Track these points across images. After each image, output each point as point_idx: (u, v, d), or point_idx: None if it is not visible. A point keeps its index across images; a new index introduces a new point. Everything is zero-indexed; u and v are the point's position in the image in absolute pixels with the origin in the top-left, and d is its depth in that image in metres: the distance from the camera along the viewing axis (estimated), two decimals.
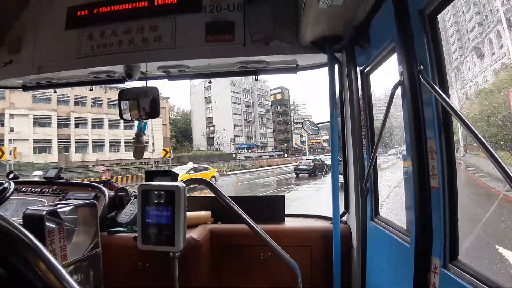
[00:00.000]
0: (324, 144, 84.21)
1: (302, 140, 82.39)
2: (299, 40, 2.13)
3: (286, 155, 68.31)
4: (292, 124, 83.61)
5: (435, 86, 1.13)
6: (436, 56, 1.20)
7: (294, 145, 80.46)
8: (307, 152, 63.27)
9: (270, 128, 74.79)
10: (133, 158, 2.82)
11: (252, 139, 68.50)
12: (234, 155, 56.98)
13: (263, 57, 2.26)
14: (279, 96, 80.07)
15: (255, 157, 58.23)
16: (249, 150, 64.93)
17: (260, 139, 70.13)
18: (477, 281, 1.00)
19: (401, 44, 1.35)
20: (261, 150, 67.07)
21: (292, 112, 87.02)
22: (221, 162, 44.76)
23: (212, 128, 64.71)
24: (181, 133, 64.59)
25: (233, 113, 64.94)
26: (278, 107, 79.43)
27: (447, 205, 1.17)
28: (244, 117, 66.87)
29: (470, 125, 0.97)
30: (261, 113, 70.85)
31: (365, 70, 1.93)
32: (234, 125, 65.19)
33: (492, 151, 0.89)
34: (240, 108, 66.38)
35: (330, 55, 2.10)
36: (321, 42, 2.06)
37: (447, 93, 1.16)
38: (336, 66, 2.22)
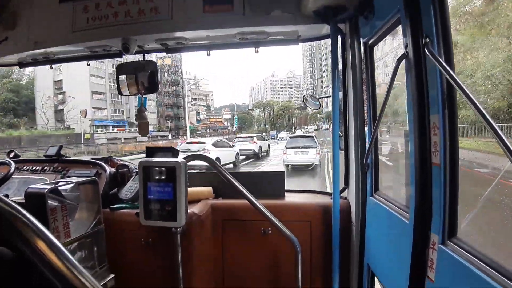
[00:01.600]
0: (226, 123, 73.26)
1: (198, 118, 70.86)
2: (301, 10, 2.04)
3: (170, 135, 52.24)
4: (189, 100, 70.39)
5: (440, 60, 1.09)
6: (443, 29, 1.14)
7: (189, 123, 61.26)
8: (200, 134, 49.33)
9: (153, 100, 56.09)
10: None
11: (121, 113, 49.21)
12: (87, 135, 39.17)
13: (263, 27, 2.18)
14: (167, 61, 61.95)
15: (124, 138, 41.88)
16: (116, 129, 46.38)
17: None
18: (474, 258, 1.00)
19: (407, 15, 1.28)
20: (136, 129, 41.69)
21: (188, 85, 69.85)
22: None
23: (61, 97, 42.93)
24: (25, 104, 44.48)
25: (92, 75, 44.01)
26: (166, 75, 61.72)
27: (447, 182, 1.16)
28: (110, 83, 45.12)
29: (475, 101, 0.93)
30: None
31: (369, 42, 1.86)
32: (93, 93, 44.39)
33: (497, 129, 0.86)
34: (104, 69, 45.56)
35: (333, 26, 2.02)
36: (324, 12, 1.97)
37: (452, 68, 1.12)
38: (339, 38, 2.14)
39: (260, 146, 25.59)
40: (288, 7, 2.07)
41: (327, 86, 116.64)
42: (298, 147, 17.92)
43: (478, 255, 1.00)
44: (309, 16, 2.04)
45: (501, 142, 0.85)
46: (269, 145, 29.04)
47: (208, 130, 68.05)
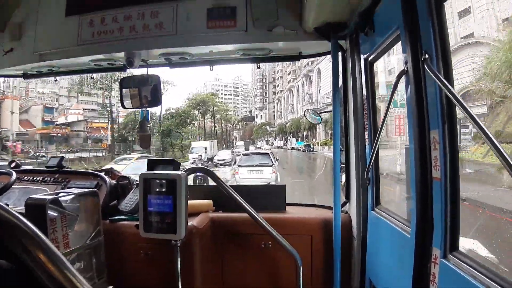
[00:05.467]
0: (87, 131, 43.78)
1: (50, 119, 44.20)
2: (303, 26, 2.09)
3: None
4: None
5: (440, 76, 1.11)
6: (442, 45, 1.17)
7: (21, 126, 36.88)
8: None
9: None
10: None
11: None
12: None
13: (265, 44, 2.23)
14: None
15: None
16: None
17: None
18: (477, 272, 0.99)
19: (406, 32, 1.32)
20: None
21: None
22: None
23: None
24: None
25: None
26: None
27: (448, 196, 1.16)
28: None
29: (474, 116, 0.95)
30: None
31: (369, 59, 1.90)
32: None
33: (497, 144, 0.87)
34: None
35: (334, 43, 2.06)
36: (325, 29, 2.02)
37: (451, 83, 1.14)
38: (340, 54, 2.18)
39: None
40: (290, 24, 2.12)
41: (282, 91, 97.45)
42: (252, 166, 16.53)
43: (480, 269, 1.00)
44: (310, 33, 2.09)
45: (501, 157, 0.85)
46: None
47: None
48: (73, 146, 39.49)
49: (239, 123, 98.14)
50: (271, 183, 15.59)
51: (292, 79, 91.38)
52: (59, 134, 42.83)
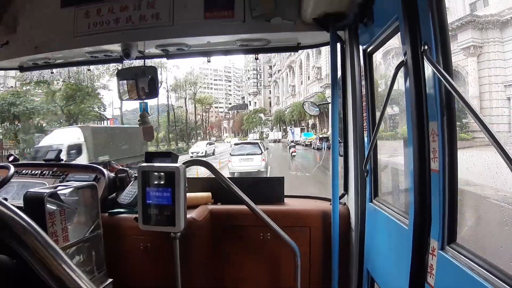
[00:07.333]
0: None
1: None
2: (301, 17, 2.07)
3: None
4: None
5: (439, 67, 1.10)
6: (441, 36, 1.16)
7: None
8: None
9: None
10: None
11: None
12: None
13: (263, 34, 2.21)
14: None
15: None
16: None
17: None
18: (474, 264, 1.00)
19: (405, 23, 1.30)
20: None
21: None
22: None
23: None
24: None
25: None
26: None
27: (446, 188, 1.16)
28: None
29: (474, 108, 0.94)
30: None
31: (368, 50, 1.88)
32: None
33: (496, 136, 0.87)
34: None
35: (333, 34, 2.04)
36: (324, 19, 2.00)
37: (451, 75, 1.13)
38: (338, 45, 2.17)
39: None
40: (289, 14, 2.09)
41: (279, 71, 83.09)
42: (243, 154, 17.82)
43: (478, 260, 1.00)
44: (309, 24, 2.07)
45: (500, 149, 0.85)
46: None
47: None
48: None
49: (229, 111, 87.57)
50: (261, 170, 17.26)
51: (292, 53, 69.09)
52: None
